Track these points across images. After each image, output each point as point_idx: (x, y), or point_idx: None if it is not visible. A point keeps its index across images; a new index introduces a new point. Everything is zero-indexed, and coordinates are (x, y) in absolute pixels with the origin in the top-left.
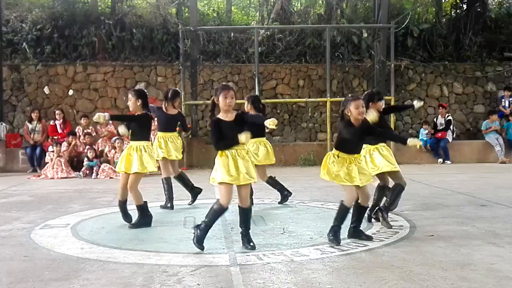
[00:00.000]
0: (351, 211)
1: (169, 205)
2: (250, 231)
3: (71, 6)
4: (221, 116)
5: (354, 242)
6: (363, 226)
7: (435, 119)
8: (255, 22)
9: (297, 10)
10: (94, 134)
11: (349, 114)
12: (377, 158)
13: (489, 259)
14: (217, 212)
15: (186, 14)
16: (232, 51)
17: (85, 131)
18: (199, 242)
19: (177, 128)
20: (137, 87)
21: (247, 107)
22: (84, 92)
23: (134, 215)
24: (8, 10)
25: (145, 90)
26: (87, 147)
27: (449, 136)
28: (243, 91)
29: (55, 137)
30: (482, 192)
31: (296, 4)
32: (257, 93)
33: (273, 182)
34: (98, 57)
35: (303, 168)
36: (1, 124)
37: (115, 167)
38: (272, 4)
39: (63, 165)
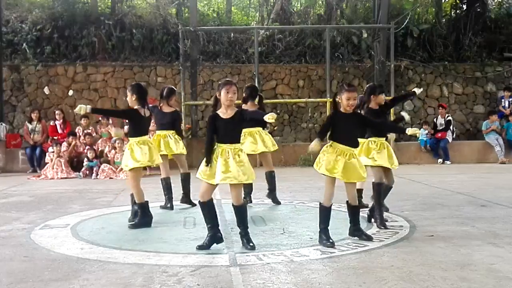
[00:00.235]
0: (347, 209)
1: (169, 205)
2: (248, 230)
3: (71, 7)
4: (220, 112)
5: (354, 242)
6: (363, 226)
7: (435, 120)
8: (255, 22)
9: (297, 10)
10: (94, 134)
11: (339, 102)
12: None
13: (489, 260)
14: (202, 208)
15: (186, 15)
16: (232, 51)
17: (85, 131)
18: (206, 246)
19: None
20: None
21: (246, 99)
22: (84, 93)
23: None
24: (8, 10)
25: (143, 84)
26: (87, 147)
27: (449, 136)
28: (243, 91)
29: (55, 138)
30: (482, 193)
31: (296, 5)
32: None
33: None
34: (98, 58)
35: (303, 168)
36: (1, 124)
37: (115, 168)
38: (272, 4)
39: (63, 165)
